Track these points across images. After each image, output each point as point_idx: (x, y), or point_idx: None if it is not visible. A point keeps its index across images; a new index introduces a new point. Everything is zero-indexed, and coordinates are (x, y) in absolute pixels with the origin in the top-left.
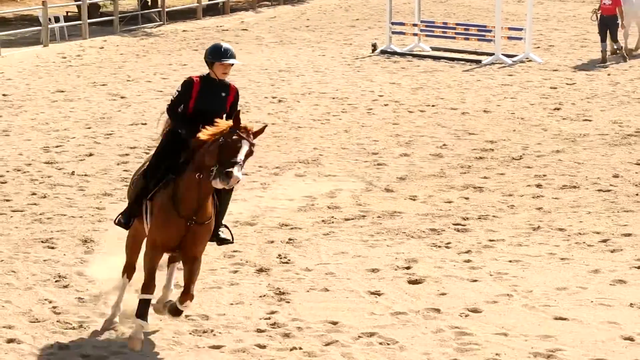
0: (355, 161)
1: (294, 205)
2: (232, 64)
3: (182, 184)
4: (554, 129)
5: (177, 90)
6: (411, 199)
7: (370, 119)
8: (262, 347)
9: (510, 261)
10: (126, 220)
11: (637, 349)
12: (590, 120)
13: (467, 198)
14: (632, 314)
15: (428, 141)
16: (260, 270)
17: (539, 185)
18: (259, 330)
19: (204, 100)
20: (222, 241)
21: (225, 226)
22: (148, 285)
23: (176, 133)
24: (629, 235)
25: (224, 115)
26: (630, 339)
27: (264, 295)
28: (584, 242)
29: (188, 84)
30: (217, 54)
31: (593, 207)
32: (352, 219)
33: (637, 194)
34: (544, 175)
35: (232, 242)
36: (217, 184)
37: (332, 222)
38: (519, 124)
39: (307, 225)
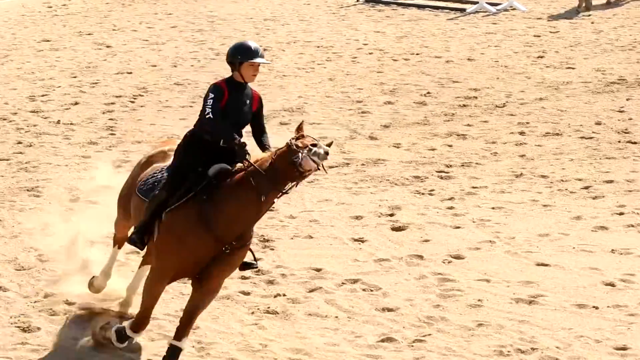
0: (339, 109)
1: None
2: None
3: (230, 203)
4: (537, 76)
5: (211, 98)
6: (395, 146)
7: (354, 67)
8: (247, 294)
9: (493, 208)
10: (140, 239)
11: (617, 295)
12: (573, 68)
13: (450, 145)
14: (613, 260)
15: (412, 89)
16: None
17: (522, 133)
18: (243, 278)
19: (232, 110)
20: (244, 265)
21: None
22: (141, 323)
23: (197, 139)
24: (610, 182)
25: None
26: (611, 284)
27: None
28: (566, 189)
29: (219, 89)
30: (247, 53)
31: (575, 154)
32: (336, 166)
33: (619, 141)
34: (527, 123)
35: (255, 267)
36: (307, 164)
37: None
38: (503, 72)
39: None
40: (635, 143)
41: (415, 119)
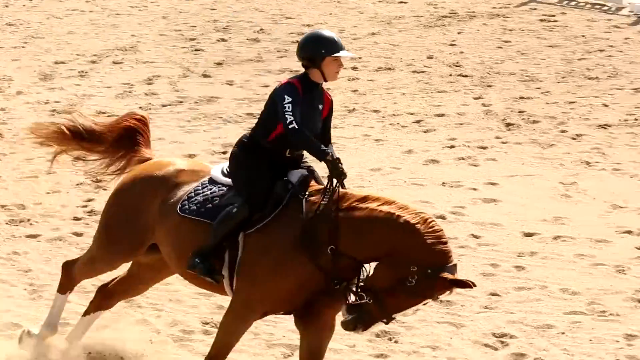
0: (173, 47)
1: (112, 92)
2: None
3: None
4: (370, 11)
5: (289, 103)
6: (228, 84)
7: (187, 4)
8: (79, 235)
9: None
10: (210, 267)
11: (448, 227)
12: (405, 3)
13: None
14: (444, 193)
15: (245, 26)
16: (77, 158)
17: (354, 68)
18: (76, 219)
19: (304, 116)
20: None
21: None
22: None
23: (256, 146)
24: (442, 115)
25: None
26: (442, 217)
27: (81, 184)
28: (398, 123)
29: (296, 91)
30: (331, 46)
31: (407, 88)
32: (170, 105)
33: (450, 75)
34: (360, 58)
35: None
36: (343, 316)
37: (150, 109)
38: (336, 7)
39: (124, 112)
40: (466, 76)
41: (249, 55)
